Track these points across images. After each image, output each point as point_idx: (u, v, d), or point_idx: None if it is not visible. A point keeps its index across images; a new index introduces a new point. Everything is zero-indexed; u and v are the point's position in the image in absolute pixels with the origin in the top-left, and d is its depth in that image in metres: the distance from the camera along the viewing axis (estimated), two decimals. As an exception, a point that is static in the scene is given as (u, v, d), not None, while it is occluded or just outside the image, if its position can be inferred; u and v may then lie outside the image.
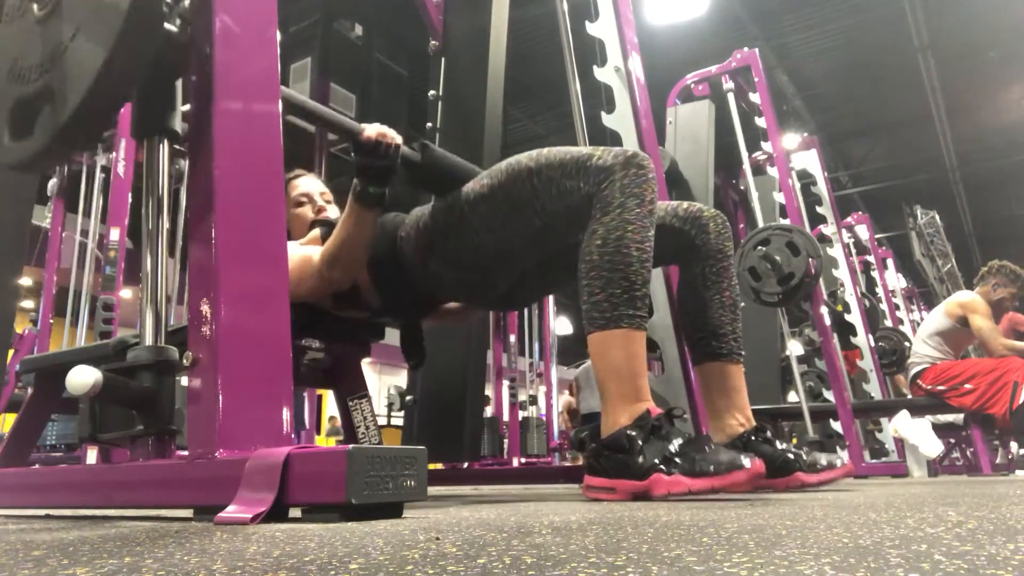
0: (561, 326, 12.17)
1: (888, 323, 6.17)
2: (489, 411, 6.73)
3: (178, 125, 1.18)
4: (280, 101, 1.19)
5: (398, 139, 1.52)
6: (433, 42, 2.84)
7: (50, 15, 1.11)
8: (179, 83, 1.19)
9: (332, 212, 1.89)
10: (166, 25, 1.10)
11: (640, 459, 1.26)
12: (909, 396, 4.13)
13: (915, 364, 4.06)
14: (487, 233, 1.56)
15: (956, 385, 3.79)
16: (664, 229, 1.63)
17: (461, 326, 2.46)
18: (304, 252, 1.66)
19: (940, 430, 4.18)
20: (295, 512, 0.91)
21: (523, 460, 6.06)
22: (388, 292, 1.72)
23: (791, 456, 1.58)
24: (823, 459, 1.60)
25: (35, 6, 1.13)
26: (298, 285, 1.58)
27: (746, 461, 1.22)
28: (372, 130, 1.49)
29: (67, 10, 1.10)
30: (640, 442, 1.28)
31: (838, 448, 4.18)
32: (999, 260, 4.22)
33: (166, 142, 1.19)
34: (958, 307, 4.03)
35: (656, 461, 1.25)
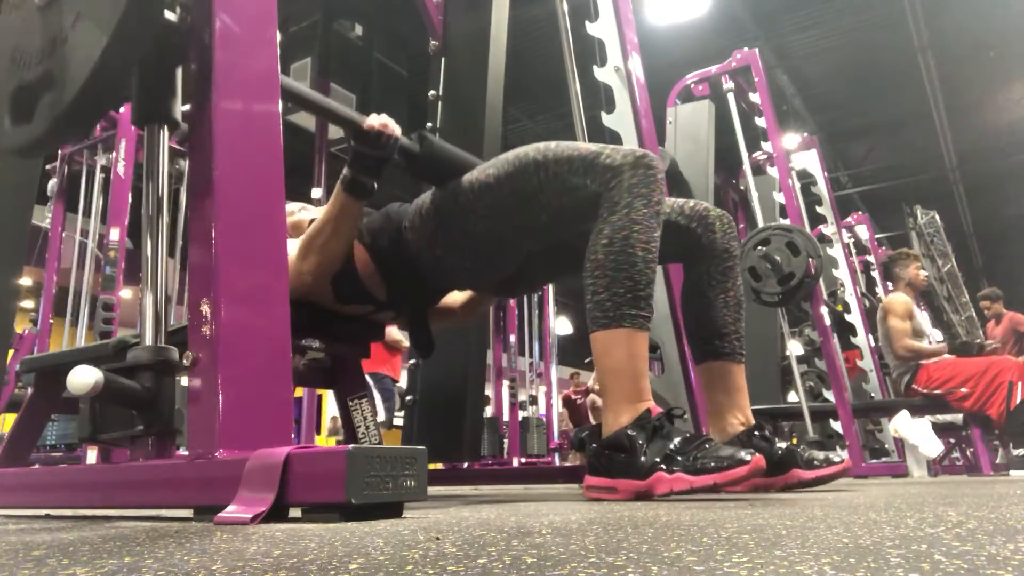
0: (561, 326, 12.17)
1: (888, 323, 6.16)
2: (489, 411, 6.72)
3: (178, 113, 1.18)
4: (280, 97, 1.19)
5: (398, 131, 1.54)
6: (433, 42, 2.83)
7: (50, 4, 1.12)
8: (179, 71, 1.19)
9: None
10: (166, 14, 1.12)
11: (642, 458, 1.27)
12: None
13: (901, 374, 4.09)
14: (491, 221, 1.57)
15: (952, 389, 3.79)
16: (669, 226, 1.62)
17: (462, 326, 2.46)
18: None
19: (940, 430, 4.18)
20: (295, 512, 0.91)
21: (523, 460, 6.05)
22: (394, 283, 1.69)
23: (787, 452, 1.58)
24: (820, 455, 1.60)
25: None
26: None
27: (746, 456, 1.23)
28: (375, 120, 1.51)
29: None
30: (641, 441, 1.28)
31: (838, 447, 4.18)
32: (888, 257, 4.60)
33: (166, 129, 1.18)
34: (882, 311, 4.23)
35: (657, 460, 1.26)
